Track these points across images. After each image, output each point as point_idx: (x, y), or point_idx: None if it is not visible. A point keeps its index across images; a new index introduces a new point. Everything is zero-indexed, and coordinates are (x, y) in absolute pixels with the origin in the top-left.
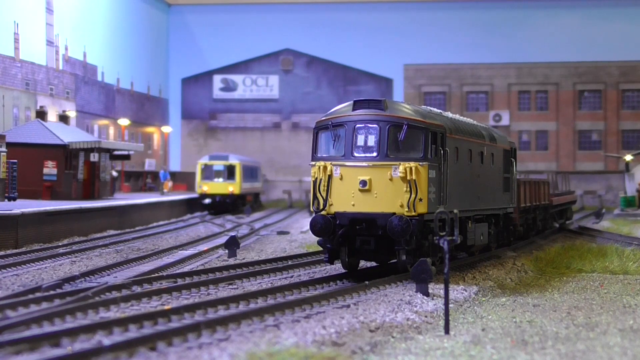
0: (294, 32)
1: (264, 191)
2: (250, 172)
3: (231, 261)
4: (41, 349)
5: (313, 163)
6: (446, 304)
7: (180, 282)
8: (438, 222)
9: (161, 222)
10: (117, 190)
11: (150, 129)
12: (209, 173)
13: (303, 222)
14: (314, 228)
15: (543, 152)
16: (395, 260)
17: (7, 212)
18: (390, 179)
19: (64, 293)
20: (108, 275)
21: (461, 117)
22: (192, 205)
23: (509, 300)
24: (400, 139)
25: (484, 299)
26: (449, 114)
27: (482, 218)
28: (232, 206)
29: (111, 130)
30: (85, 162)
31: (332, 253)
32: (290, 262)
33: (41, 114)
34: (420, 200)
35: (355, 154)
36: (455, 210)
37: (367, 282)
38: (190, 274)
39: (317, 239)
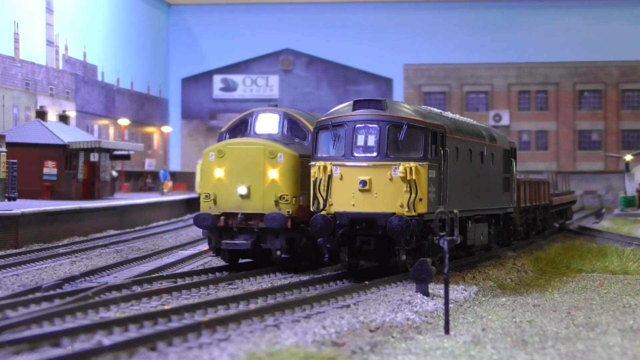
0: (294, 32)
1: None
2: None
3: None
4: (41, 349)
5: (313, 163)
6: (446, 304)
7: (180, 282)
8: (438, 222)
9: (161, 222)
10: (117, 190)
11: (150, 129)
12: None
13: None
14: (314, 228)
15: (543, 152)
16: (395, 260)
17: (7, 212)
18: (390, 179)
19: (64, 293)
20: (108, 275)
21: (461, 117)
22: (192, 205)
23: (509, 300)
24: (400, 139)
25: (484, 299)
26: (449, 114)
27: (482, 218)
28: None
29: (111, 130)
30: (85, 162)
31: (332, 253)
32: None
33: (41, 114)
34: (420, 200)
35: (355, 154)
36: (455, 210)
37: (367, 282)
38: (190, 274)
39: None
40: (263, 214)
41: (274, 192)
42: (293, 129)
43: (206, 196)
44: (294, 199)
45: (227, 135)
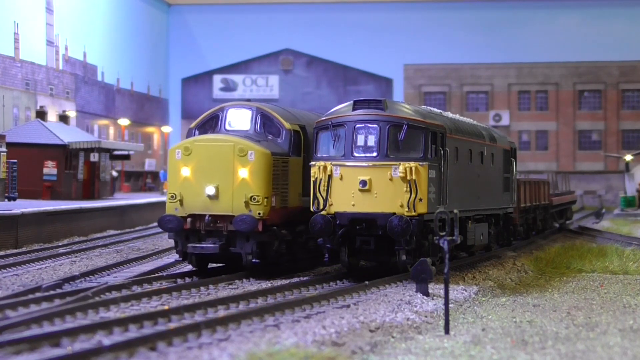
0: (294, 32)
1: None
2: None
3: None
4: (41, 349)
5: (313, 163)
6: (446, 304)
7: (180, 282)
8: (438, 222)
9: None
10: (117, 190)
11: (150, 129)
12: None
13: None
14: (314, 228)
15: (543, 152)
16: (395, 260)
17: (7, 212)
18: (390, 179)
19: (64, 293)
20: (108, 275)
21: (461, 117)
22: None
23: (509, 300)
24: (400, 139)
25: (484, 299)
26: (449, 114)
27: (482, 218)
28: None
29: (111, 130)
30: (85, 162)
31: (332, 253)
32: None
33: (41, 114)
34: (420, 200)
35: (355, 154)
36: (455, 210)
37: (367, 282)
38: (190, 274)
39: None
40: (232, 216)
41: (244, 192)
42: (267, 125)
43: (172, 196)
44: (265, 199)
45: (197, 132)
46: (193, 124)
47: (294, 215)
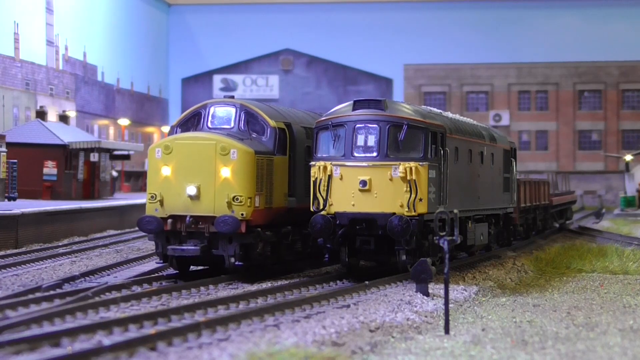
0: (294, 32)
1: None
2: None
3: None
4: (41, 349)
5: (313, 163)
6: (446, 304)
7: (180, 282)
8: (438, 222)
9: None
10: (117, 190)
11: (150, 129)
12: None
13: None
14: (314, 228)
15: (543, 152)
16: (395, 260)
17: (7, 212)
18: (390, 179)
19: (64, 293)
20: (108, 275)
21: (461, 117)
22: None
23: (509, 300)
24: (400, 139)
25: (484, 299)
26: (449, 114)
27: (482, 218)
28: None
29: (111, 130)
30: (85, 162)
31: (332, 253)
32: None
33: (41, 114)
34: (420, 200)
35: (355, 154)
36: (455, 210)
37: (367, 282)
38: (190, 273)
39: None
40: (214, 217)
41: (227, 192)
42: (251, 123)
43: (152, 197)
44: (248, 200)
45: (179, 130)
46: (175, 122)
47: (279, 216)
